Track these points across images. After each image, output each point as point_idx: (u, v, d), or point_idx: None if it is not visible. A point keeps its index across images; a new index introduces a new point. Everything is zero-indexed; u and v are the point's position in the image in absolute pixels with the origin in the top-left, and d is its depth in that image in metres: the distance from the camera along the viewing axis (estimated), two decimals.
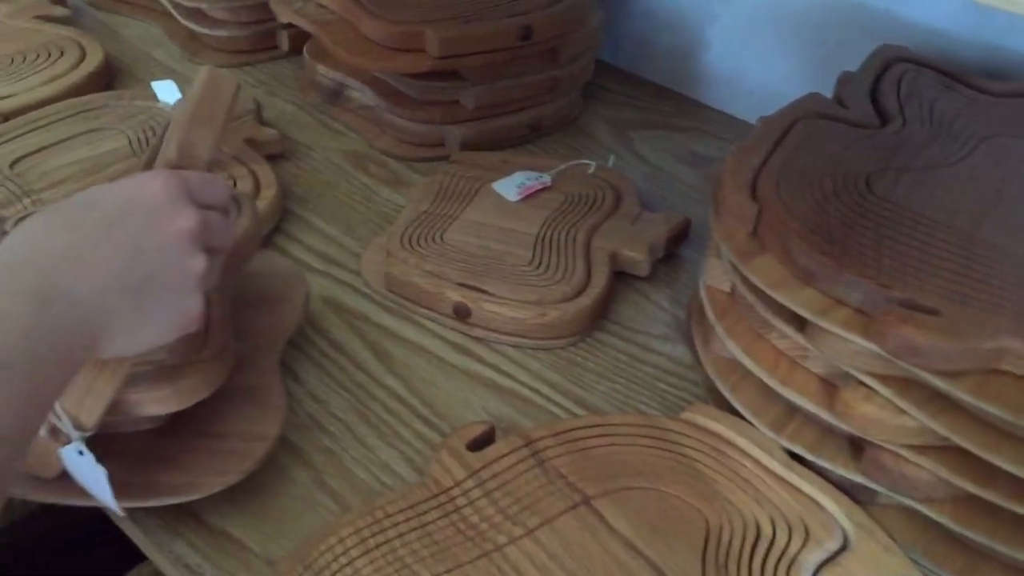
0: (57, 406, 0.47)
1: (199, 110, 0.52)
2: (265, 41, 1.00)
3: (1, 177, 0.75)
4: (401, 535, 0.51)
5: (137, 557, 0.69)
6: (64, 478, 0.51)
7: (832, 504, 0.54)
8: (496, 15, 0.82)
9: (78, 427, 0.48)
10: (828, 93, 0.70)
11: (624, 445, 0.57)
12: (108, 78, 0.92)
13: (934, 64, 0.72)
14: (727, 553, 0.51)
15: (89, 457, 0.49)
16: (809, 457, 0.56)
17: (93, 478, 0.49)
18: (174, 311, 0.46)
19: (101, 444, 0.49)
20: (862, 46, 0.75)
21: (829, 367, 0.55)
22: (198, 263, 0.46)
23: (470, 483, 0.54)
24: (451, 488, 0.53)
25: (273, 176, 0.77)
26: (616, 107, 0.96)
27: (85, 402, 0.47)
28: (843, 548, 0.52)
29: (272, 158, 0.82)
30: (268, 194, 0.75)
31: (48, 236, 0.43)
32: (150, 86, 0.85)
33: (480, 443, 0.56)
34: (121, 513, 0.52)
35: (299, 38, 0.97)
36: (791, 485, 0.55)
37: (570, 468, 0.55)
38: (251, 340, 0.60)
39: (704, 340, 0.64)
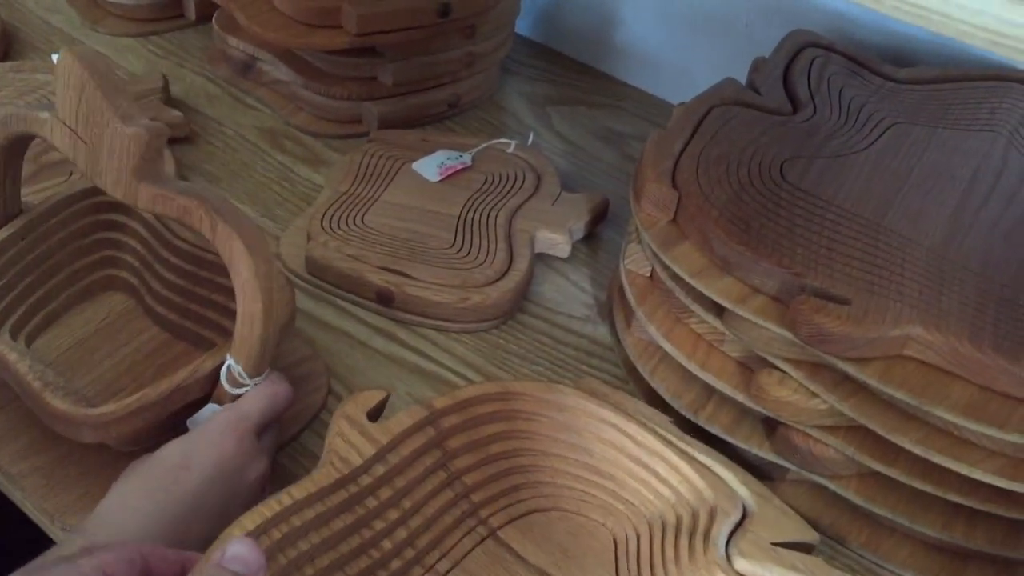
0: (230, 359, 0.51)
1: (105, 84, 0.50)
2: (171, 9, 0.96)
3: None
4: (303, 527, 0.47)
5: None
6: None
7: (728, 473, 0.54)
8: None
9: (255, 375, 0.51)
10: (740, 73, 0.72)
11: (525, 427, 0.55)
12: (4, 47, 0.88)
13: (842, 50, 0.74)
14: (638, 562, 0.52)
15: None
16: (725, 437, 0.58)
17: None
18: None
19: None
20: (772, 28, 0.77)
21: (745, 351, 0.57)
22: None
23: (379, 467, 0.50)
24: (357, 471, 0.49)
25: (173, 164, 0.75)
26: (534, 82, 0.96)
27: (265, 354, 0.51)
28: (744, 516, 0.52)
29: (177, 141, 0.80)
30: None
31: (145, 503, 0.46)
32: (50, 58, 0.81)
33: (378, 413, 0.53)
34: None
35: (207, 6, 0.94)
36: (688, 456, 0.54)
37: (474, 477, 0.53)
38: None
39: (624, 323, 0.66)
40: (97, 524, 0.45)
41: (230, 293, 0.59)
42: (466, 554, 0.52)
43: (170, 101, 0.83)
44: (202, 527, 0.46)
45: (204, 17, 0.95)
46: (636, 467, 0.55)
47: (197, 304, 0.62)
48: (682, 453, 0.54)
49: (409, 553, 0.50)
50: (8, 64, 0.83)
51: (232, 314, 0.58)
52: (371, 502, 0.49)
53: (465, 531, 0.52)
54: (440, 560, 0.51)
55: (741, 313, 0.54)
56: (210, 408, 0.52)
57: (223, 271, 0.59)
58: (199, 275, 0.62)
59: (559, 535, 0.53)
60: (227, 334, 0.58)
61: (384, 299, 0.68)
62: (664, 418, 0.56)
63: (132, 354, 0.61)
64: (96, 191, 0.61)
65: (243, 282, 0.49)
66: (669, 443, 0.55)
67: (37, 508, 0.53)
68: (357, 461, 0.49)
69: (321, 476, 0.48)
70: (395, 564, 0.50)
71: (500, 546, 0.52)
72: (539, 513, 0.54)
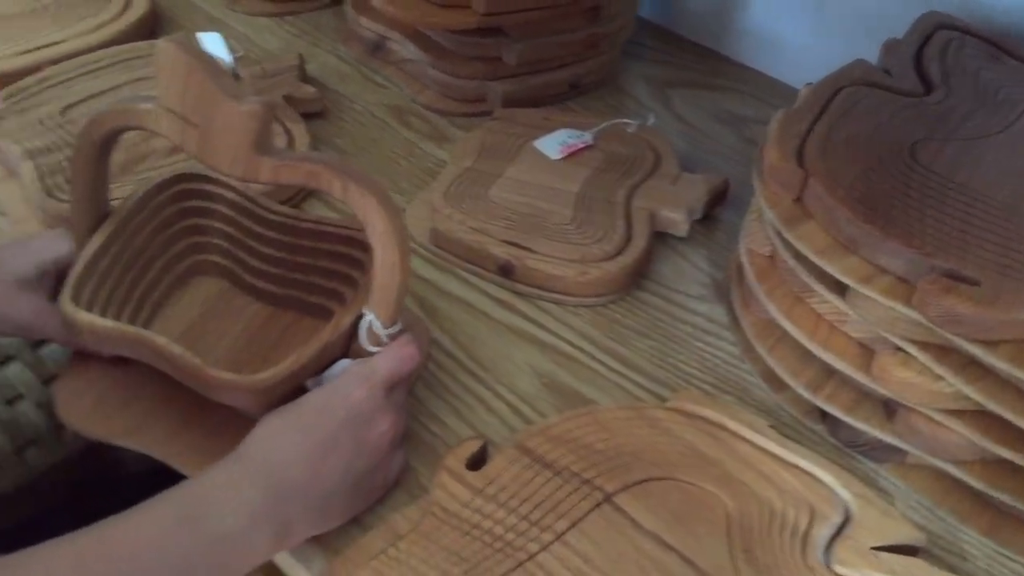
0: (369, 313, 0.53)
1: (210, 67, 0.51)
2: None
3: (53, 123, 0.77)
4: (425, 560, 0.50)
5: None
6: None
7: (829, 477, 0.55)
8: None
9: (391, 324, 0.53)
10: (868, 58, 0.71)
11: (625, 436, 0.57)
12: (152, 26, 0.93)
13: (978, 32, 0.73)
14: (750, 537, 0.52)
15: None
16: (845, 418, 0.58)
17: None
18: (371, 497, 0.55)
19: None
20: (903, 10, 0.76)
21: (867, 332, 0.57)
22: (396, 459, 0.55)
23: (479, 501, 0.53)
24: (460, 510, 0.53)
25: (307, 137, 0.78)
26: (655, 65, 0.96)
27: (400, 302, 0.53)
28: (847, 520, 0.53)
29: (311, 116, 0.83)
30: None
31: (284, 440, 0.50)
32: (195, 36, 0.86)
33: (478, 460, 0.56)
34: None
35: None
36: (787, 462, 0.56)
37: (581, 465, 0.55)
38: None
39: (743, 301, 0.66)
40: (244, 453, 0.50)
41: (332, 256, 0.62)
42: (583, 516, 0.53)
43: (305, 78, 0.86)
44: (334, 467, 0.50)
45: None
46: (741, 461, 0.56)
47: (299, 272, 0.63)
48: (780, 461, 0.55)
49: (523, 526, 0.52)
50: (155, 42, 0.88)
51: (337, 275, 0.62)
52: (475, 518, 0.53)
53: (581, 496, 0.54)
54: (558, 520, 0.53)
55: (866, 293, 0.54)
56: (342, 364, 0.55)
57: (322, 236, 0.62)
58: (298, 244, 0.63)
59: (673, 503, 0.54)
60: (334, 296, 0.62)
61: (505, 271, 0.69)
62: (762, 423, 0.57)
63: (244, 331, 0.63)
64: (174, 181, 0.63)
65: (380, 234, 0.51)
66: (766, 452, 0.56)
67: None
68: (457, 509, 0.53)
69: (426, 526, 0.52)
70: (509, 536, 0.52)
71: (615, 511, 0.54)
72: (653, 481, 0.55)
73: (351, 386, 0.51)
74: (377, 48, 0.92)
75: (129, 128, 0.55)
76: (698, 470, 0.56)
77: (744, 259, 0.64)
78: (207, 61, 0.51)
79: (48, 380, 0.86)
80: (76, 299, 0.55)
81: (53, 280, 0.60)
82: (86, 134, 0.56)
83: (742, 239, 0.65)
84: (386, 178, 0.79)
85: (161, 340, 0.53)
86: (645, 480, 0.55)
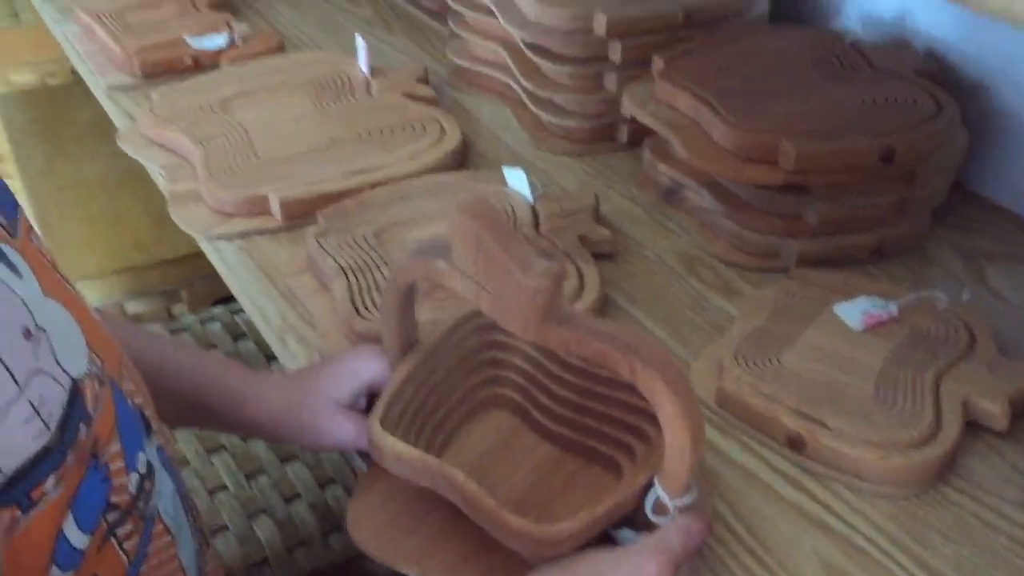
0: (659, 490, 0.52)
1: (501, 237, 0.51)
2: (605, 132, 1.02)
3: (367, 244, 0.82)
4: None
5: None
6: None
7: None
8: (857, 131, 0.79)
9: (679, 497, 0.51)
10: None
11: None
12: (463, 156, 0.99)
13: None
14: None
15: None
16: None
17: None
18: None
19: None
20: None
21: None
22: None
23: None
24: None
25: (598, 280, 0.78)
26: (968, 235, 0.89)
27: (691, 480, 0.51)
28: None
29: (601, 256, 0.84)
30: (590, 297, 0.76)
31: None
32: (501, 170, 0.90)
33: None
34: None
35: (636, 132, 1.00)
36: None
37: None
38: None
39: None
40: None
41: (626, 408, 0.61)
42: None
43: (599, 219, 0.88)
44: None
45: (633, 142, 1.00)
46: None
47: (591, 419, 0.62)
48: None
49: None
50: (464, 173, 0.93)
51: (629, 428, 0.60)
52: None
53: None
54: None
55: None
56: (625, 534, 0.53)
57: (619, 386, 0.61)
58: (593, 390, 0.62)
59: None
60: (624, 448, 0.60)
61: (795, 444, 0.65)
62: None
63: (532, 471, 0.62)
64: (479, 313, 0.64)
65: (669, 418, 0.50)
66: None
67: None
68: None
69: None
70: None
71: None
72: None
73: (642, 558, 0.49)
74: (671, 193, 0.92)
75: (428, 280, 0.57)
76: None
77: None
78: (498, 229, 0.51)
79: (325, 483, 0.91)
80: (383, 423, 0.57)
81: (366, 399, 0.64)
82: (393, 281, 0.59)
83: None
84: (672, 328, 0.78)
85: (459, 475, 0.54)
86: None
